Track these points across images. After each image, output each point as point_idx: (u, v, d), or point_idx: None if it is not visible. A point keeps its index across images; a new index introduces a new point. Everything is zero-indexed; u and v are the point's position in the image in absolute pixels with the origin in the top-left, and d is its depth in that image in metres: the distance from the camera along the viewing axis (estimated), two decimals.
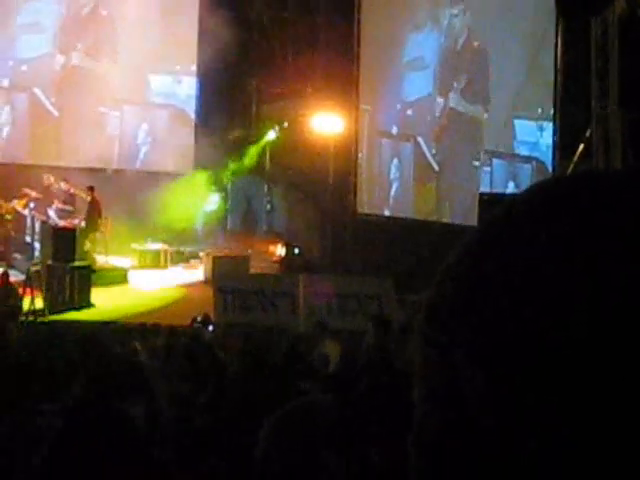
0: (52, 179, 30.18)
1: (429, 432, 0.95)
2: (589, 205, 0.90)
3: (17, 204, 29.56)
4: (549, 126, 25.15)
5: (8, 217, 29.49)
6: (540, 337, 0.86)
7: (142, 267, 30.03)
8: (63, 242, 26.30)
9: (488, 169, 27.11)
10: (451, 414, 0.91)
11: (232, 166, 31.94)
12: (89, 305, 25.32)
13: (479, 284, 0.91)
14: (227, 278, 25.14)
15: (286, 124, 31.49)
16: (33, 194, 29.62)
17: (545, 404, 0.85)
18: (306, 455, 3.48)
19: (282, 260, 29.44)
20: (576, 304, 0.85)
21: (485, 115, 27.67)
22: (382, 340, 16.31)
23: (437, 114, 28.98)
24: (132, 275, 29.06)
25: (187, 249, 31.06)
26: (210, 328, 20.85)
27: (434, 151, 28.73)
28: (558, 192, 0.95)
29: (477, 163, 27.43)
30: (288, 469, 3.47)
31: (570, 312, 0.86)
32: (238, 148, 31.83)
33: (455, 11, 28.49)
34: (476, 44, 28.05)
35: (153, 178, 32.41)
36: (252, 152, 31.48)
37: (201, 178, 32.00)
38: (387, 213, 29.94)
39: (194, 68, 33.51)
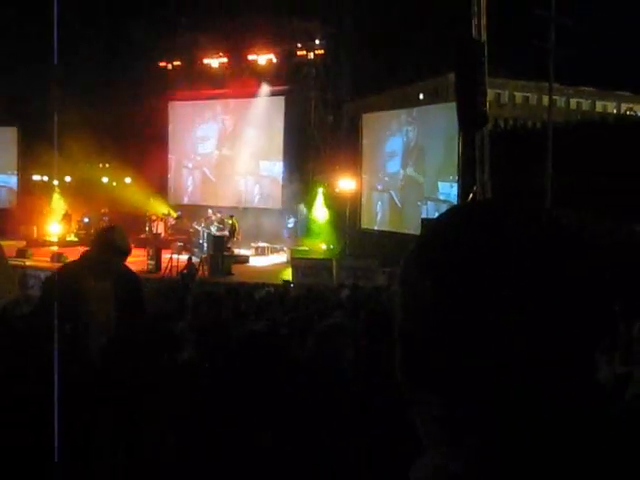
0: (211, 212, 30.42)
1: (405, 331, 0.92)
2: (475, 220, 0.91)
3: (196, 224, 29.82)
4: (455, 185, 24.99)
5: (191, 231, 29.87)
6: (453, 281, 0.87)
7: (256, 255, 29.85)
8: (218, 243, 26.53)
9: (425, 207, 26.84)
10: (416, 319, 0.90)
11: (301, 205, 32.03)
12: (231, 273, 25.29)
13: (424, 253, 0.91)
14: (297, 260, 25.23)
15: (327, 184, 31.40)
16: (202, 220, 29.92)
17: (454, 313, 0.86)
18: (338, 352, 3.43)
19: (324, 252, 29.16)
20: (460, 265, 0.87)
21: (423, 180, 27.50)
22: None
23: (401, 179, 28.78)
24: (252, 259, 29.05)
25: (279, 246, 30.80)
26: (292, 285, 21.13)
27: (399, 198, 28.58)
28: (460, 213, 0.97)
29: (420, 204, 27.21)
30: (329, 363, 3.48)
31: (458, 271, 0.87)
32: (303, 196, 31.80)
33: (410, 127, 28.40)
34: (419, 144, 27.94)
35: (261, 211, 32.56)
36: (311, 199, 31.47)
37: (285, 211, 32.27)
38: (376, 228, 29.61)
39: (281, 157, 33.32)
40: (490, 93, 21.13)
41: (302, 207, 31.80)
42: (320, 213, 31.02)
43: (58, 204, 34.24)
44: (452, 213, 0.99)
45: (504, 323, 0.85)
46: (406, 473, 0.93)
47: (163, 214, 32.88)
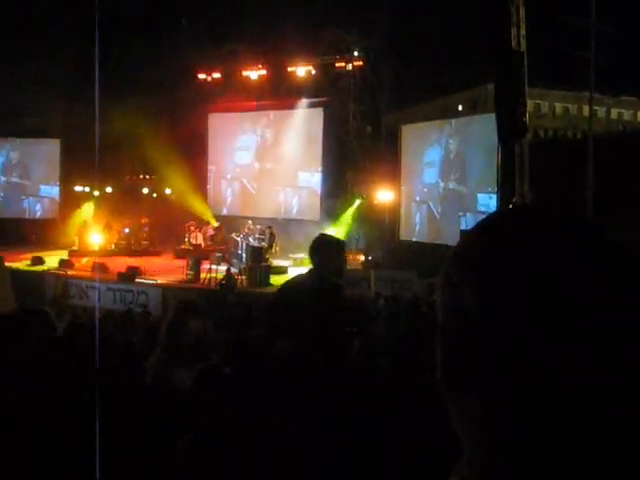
0: (250, 222, 30.52)
1: (446, 332, 0.94)
2: (516, 225, 0.93)
3: (235, 235, 29.91)
4: (494, 196, 24.80)
5: (230, 241, 29.96)
6: (500, 284, 0.87)
7: (295, 266, 29.14)
8: (256, 254, 26.67)
9: (464, 218, 26.74)
10: (457, 321, 0.92)
11: (340, 216, 31.87)
12: (269, 284, 25.13)
13: (465, 256, 0.93)
14: None
15: (365, 196, 31.34)
16: (241, 230, 30.00)
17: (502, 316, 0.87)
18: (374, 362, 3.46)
19: (363, 263, 29.08)
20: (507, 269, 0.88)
21: (465, 190, 27.45)
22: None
23: (440, 191, 28.68)
24: (290, 270, 28.40)
25: None
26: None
27: (437, 209, 28.51)
28: (501, 218, 0.99)
29: (460, 215, 27.18)
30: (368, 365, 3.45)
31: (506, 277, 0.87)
32: (342, 207, 31.70)
33: (449, 139, 28.39)
34: (460, 155, 27.89)
35: (300, 222, 32.26)
36: (349, 211, 31.36)
37: (324, 222, 32.09)
38: (414, 239, 29.49)
39: (320, 168, 33.33)
40: (530, 103, 20.98)
41: (340, 218, 31.66)
42: (358, 224, 30.81)
43: (99, 214, 34.59)
44: (493, 218, 0.99)
45: (536, 329, 0.85)
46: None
47: (202, 225, 33.05)
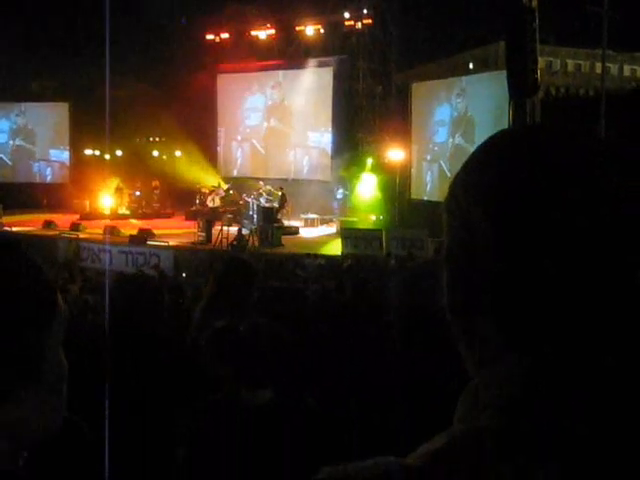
0: (262, 184, 30.55)
1: (452, 255, 0.90)
2: (531, 142, 0.88)
3: (245, 196, 29.95)
4: None
5: (241, 203, 30.06)
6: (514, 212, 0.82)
7: (306, 226, 29.75)
8: (268, 215, 26.65)
9: None
10: (463, 243, 0.87)
11: (350, 175, 31.70)
12: (280, 244, 25.14)
13: (474, 175, 0.89)
14: (347, 231, 25.16)
15: (376, 155, 31.18)
16: (251, 192, 30.04)
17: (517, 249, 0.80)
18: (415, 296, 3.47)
19: (374, 222, 28.97)
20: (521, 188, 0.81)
21: (472, 148, 27.09)
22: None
23: (450, 148, 28.55)
24: (301, 230, 28.94)
25: (328, 217, 30.72)
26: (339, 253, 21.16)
27: (448, 167, 28.19)
28: (513, 135, 0.93)
29: None
30: (412, 307, 3.44)
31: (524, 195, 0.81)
32: (352, 167, 31.48)
33: (459, 99, 28.17)
34: (469, 114, 27.69)
35: (310, 182, 32.47)
36: (360, 169, 31.13)
37: (334, 182, 32.12)
38: (425, 198, 29.20)
39: (330, 128, 33.20)
40: (541, 61, 20.83)
41: (351, 178, 31.49)
42: (369, 184, 30.73)
43: (110, 178, 34.64)
44: (504, 134, 0.94)
45: (549, 255, 0.80)
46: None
47: (213, 186, 33.07)
